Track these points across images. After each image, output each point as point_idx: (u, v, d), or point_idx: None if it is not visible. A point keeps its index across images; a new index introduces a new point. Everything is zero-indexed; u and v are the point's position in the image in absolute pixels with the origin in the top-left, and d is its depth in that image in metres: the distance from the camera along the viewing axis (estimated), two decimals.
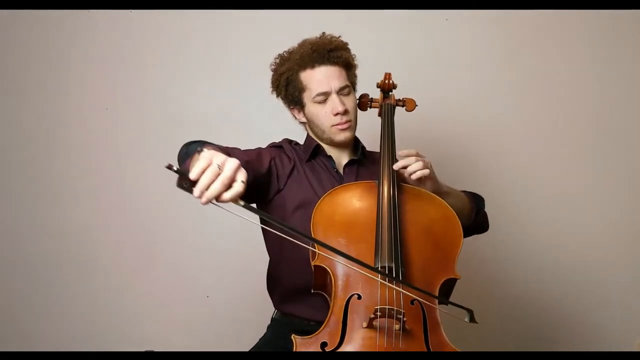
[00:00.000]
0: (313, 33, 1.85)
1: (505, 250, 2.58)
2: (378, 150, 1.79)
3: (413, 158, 1.66)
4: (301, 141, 1.91)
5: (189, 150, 1.60)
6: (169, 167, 1.15)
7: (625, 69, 2.59)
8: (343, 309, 1.46)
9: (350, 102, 1.80)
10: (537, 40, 2.60)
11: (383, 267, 1.47)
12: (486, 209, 1.88)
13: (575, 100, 2.59)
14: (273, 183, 1.76)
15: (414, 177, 1.64)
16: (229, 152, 1.59)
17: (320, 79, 1.77)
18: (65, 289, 2.53)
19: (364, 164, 1.87)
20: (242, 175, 1.22)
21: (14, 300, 2.53)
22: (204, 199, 1.19)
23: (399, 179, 1.67)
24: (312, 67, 1.78)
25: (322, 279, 1.54)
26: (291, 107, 1.88)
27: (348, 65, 1.84)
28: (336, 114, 1.77)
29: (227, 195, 1.20)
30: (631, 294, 2.55)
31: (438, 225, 1.61)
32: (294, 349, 1.42)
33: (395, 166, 1.65)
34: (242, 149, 1.78)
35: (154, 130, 2.55)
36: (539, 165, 2.58)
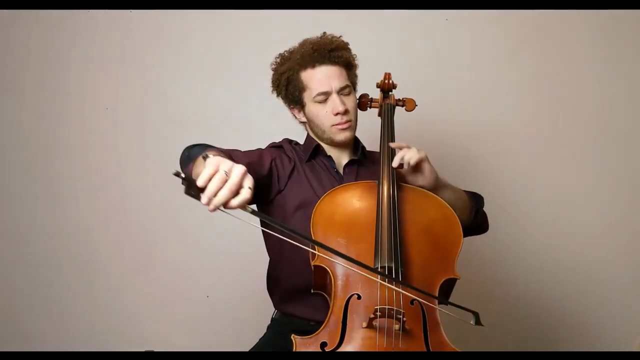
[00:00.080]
0: (313, 33, 1.85)
1: (505, 250, 2.58)
2: (378, 150, 1.79)
3: (405, 149, 1.66)
4: (301, 141, 1.91)
5: (191, 154, 1.60)
6: (177, 174, 1.16)
7: (625, 69, 2.59)
8: (343, 309, 1.46)
9: (350, 102, 1.80)
10: (537, 40, 2.60)
11: (383, 267, 1.47)
12: (486, 209, 1.88)
13: (575, 100, 2.59)
14: (274, 184, 1.76)
15: (412, 162, 1.64)
16: (230, 154, 1.59)
17: (320, 78, 1.77)
18: (65, 289, 2.53)
19: (364, 163, 1.87)
20: (248, 182, 1.23)
21: (14, 300, 2.54)
22: (211, 206, 1.19)
23: (398, 179, 1.67)
24: (313, 66, 1.78)
25: (321, 279, 1.54)
26: (291, 106, 1.87)
27: (349, 65, 1.84)
28: (336, 114, 1.77)
29: (234, 202, 1.20)
30: (631, 294, 2.55)
31: (438, 225, 1.61)
32: (294, 349, 1.42)
33: (394, 162, 1.65)
34: (242, 150, 1.78)
35: (154, 130, 2.55)
36: (539, 165, 2.58)
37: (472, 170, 2.52)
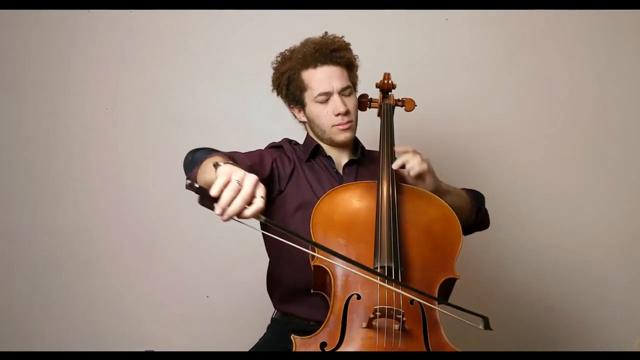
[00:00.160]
0: (313, 33, 1.85)
1: (505, 250, 2.58)
2: (377, 150, 1.79)
3: (410, 154, 1.66)
4: (301, 141, 1.91)
5: (195, 158, 1.60)
6: (190, 185, 1.17)
7: (625, 69, 2.59)
8: (342, 309, 1.46)
9: (351, 102, 1.81)
10: (537, 40, 2.60)
11: (382, 267, 1.47)
12: (486, 209, 1.88)
13: (575, 100, 2.59)
14: (275, 185, 1.76)
15: (412, 173, 1.64)
16: (233, 157, 1.60)
17: (322, 79, 1.77)
18: (65, 289, 2.53)
19: (364, 164, 1.87)
20: (261, 191, 1.24)
21: (14, 300, 2.53)
22: (225, 216, 1.20)
23: (398, 179, 1.67)
24: (315, 66, 1.78)
25: (321, 279, 1.54)
26: (291, 106, 1.87)
27: (350, 66, 1.84)
28: (337, 115, 1.77)
29: (248, 212, 1.21)
30: (631, 294, 2.55)
31: (437, 225, 1.61)
32: (294, 349, 1.42)
33: (394, 165, 1.65)
34: (242, 151, 1.78)
35: (154, 130, 2.55)
36: (539, 165, 2.58)
37: (472, 170, 2.52)
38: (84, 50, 2.56)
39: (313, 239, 1.53)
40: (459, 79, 2.58)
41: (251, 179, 1.23)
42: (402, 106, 1.91)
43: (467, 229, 1.81)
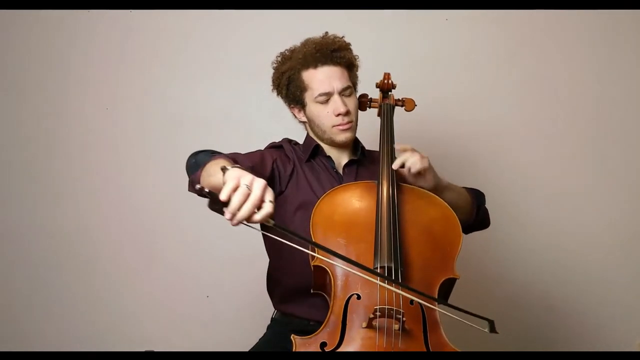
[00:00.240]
0: (313, 33, 1.85)
1: (505, 250, 2.58)
2: (377, 149, 1.79)
3: (409, 153, 1.66)
4: (301, 141, 1.91)
5: (198, 160, 1.61)
6: (200, 189, 1.18)
7: (625, 69, 2.58)
8: (342, 309, 1.46)
9: (351, 102, 1.81)
10: (537, 40, 2.60)
11: (382, 267, 1.47)
12: (486, 208, 1.88)
13: (575, 100, 2.59)
14: (275, 185, 1.76)
15: (413, 170, 1.64)
16: (235, 158, 1.60)
17: (322, 79, 1.77)
18: (65, 289, 2.53)
19: (364, 164, 1.87)
20: (270, 195, 1.25)
21: (14, 300, 2.53)
22: (235, 221, 1.21)
23: (398, 179, 1.67)
24: (315, 66, 1.78)
25: (321, 279, 1.54)
26: (291, 105, 1.87)
27: (350, 66, 1.84)
28: (338, 115, 1.77)
29: (257, 216, 1.22)
30: (631, 294, 2.55)
31: (438, 225, 1.61)
32: (294, 349, 1.42)
33: (394, 165, 1.65)
34: (242, 151, 1.78)
35: (154, 130, 2.55)
36: (539, 165, 2.58)
37: (472, 170, 2.52)
38: (84, 50, 2.56)
39: (313, 239, 1.53)
40: (459, 79, 2.58)
41: (260, 183, 1.24)
42: (402, 106, 1.91)
43: (468, 228, 1.81)
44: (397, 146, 1.72)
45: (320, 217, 1.58)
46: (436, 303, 1.47)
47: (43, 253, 2.53)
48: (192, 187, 1.63)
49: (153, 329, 2.50)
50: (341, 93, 1.78)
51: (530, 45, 2.60)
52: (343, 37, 1.84)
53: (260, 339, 1.80)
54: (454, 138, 2.55)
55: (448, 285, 1.56)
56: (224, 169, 1.29)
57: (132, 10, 2.51)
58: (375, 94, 1.93)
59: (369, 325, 1.41)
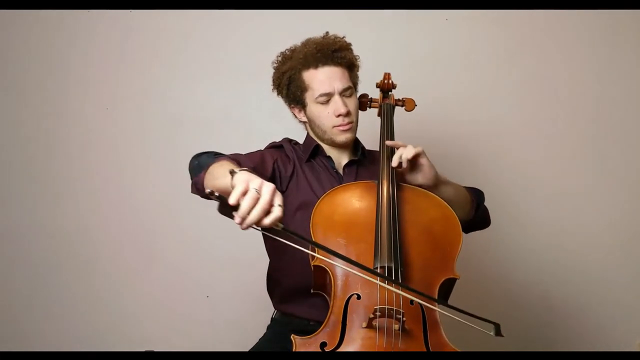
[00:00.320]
0: (313, 33, 1.85)
1: (505, 250, 2.58)
2: (377, 149, 1.79)
3: (402, 147, 1.66)
4: (301, 141, 1.90)
5: (201, 162, 1.61)
6: (211, 193, 1.19)
7: (625, 69, 2.58)
8: (342, 309, 1.46)
9: (352, 103, 1.80)
10: (537, 40, 2.60)
11: (382, 267, 1.47)
12: (486, 207, 1.88)
13: (575, 100, 2.59)
14: (276, 185, 1.76)
15: (409, 156, 1.62)
16: (237, 159, 1.60)
17: (323, 79, 1.77)
18: (65, 289, 2.53)
19: (364, 164, 1.87)
20: (279, 199, 1.25)
21: (14, 300, 2.53)
22: (244, 225, 1.22)
23: (398, 179, 1.67)
24: (316, 67, 1.78)
25: (321, 279, 1.54)
26: (292, 105, 1.87)
27: (351, 66, 1.84)
28: (338, 116, 1.77)
29: (267, 220, 1.23)
30: (631, 294, 2.55)
31: (438, 225, 1.61)
32: (294, 349, 1.42)
33: (393, 162, 1.65)
34: (242, 151, 1.78)
35: (154, 130, 2.55)
36: (539, 165, 2.58)
37: (472, 170, 2.52)
38: (84, 50, 2.56)
39: (313, 239, 1.53)
40: (459, 79, 2.58)
41: (269, 187, 1.25)
42: (402, 106, 1.91)
43: (468, 227, 1.81)
44: (388, 142, 1.71)
45: (320, 217, 1.58)
46: (436, 304, 1.47)
47: (43, 253, 2.53)
48: (195, 189, 1.63)
49: (153, 329, 2.50)
50: (342, 94, 1.78)
51: (530, 45, 2.60)
52: (344, 37, 1.84)
53: (260, 339, 1.80)
54: (454, 138, 2.55)
55: (448, 286, 1.56)
56: (232, 172, 1.29)
57: (132, 10, 2.51)
58: (375, 94, 1.93)
59: (369, 325, 1.41)
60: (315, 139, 1.86)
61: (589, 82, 2.59)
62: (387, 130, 1.79)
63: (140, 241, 2.54)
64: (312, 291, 1.58)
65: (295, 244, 1.35)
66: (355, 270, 1.41)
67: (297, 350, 1.42)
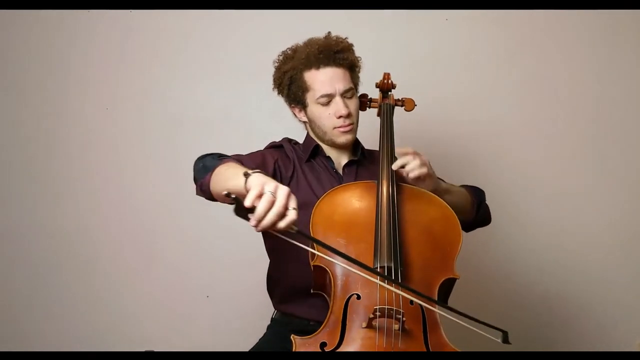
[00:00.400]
0: (313, 33, 1.84)
1: (505, 250, 2.58)
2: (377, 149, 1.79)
3: (410, 156, 1.65)
4: (301, 141, 1.90)
5: (206, 164, 1.61)
6: (227, 195, 1.20)
7: (625, 69, 2.58)
8: (342, 309, 1.46)
9: (353, 104, 1.80)
10: (537, 40, 2.60)
11: (382, 267, 1.47)
12: (487, 205, 1.89)
13: (575, 100, 2.59)
14: None
15: (412, 175, 1.64)
16: (240, 159, 1.60)
17: (324, 80, 1.77)
18: (65, 289, 2.53)
19: (364, 164, 1.87)
20: (293, 202, 1.26)
21: (14, 300, 2.53)
22: (259, 228, 1.24)
23: (398, 179, 1.67)
24: (317, 67, 1.77)
25: (321, 279, 1.54)
26: (292, 105, 1.87)
27: (353, 68, 1.83)
28: (339, 117, 1.77)
29: (282, 224, 1.24)
30: (631, 294, 2.55)
31: (437, 225, 1.61)
32: (294, 349, 1.42)
33: (394, 166, 1.65)
34: (243, 151, 1.78)
35: (154, 130, 2.55)
36: (539, 165, 2.58)
37: (472, 170, 2.52)
38: (84, 50, 2.56)
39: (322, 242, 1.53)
40: (459, 79, 2.58)
41: (284, 190, 1.26)
42: (402, 106, 1.91)
43: (469, 226, 1.81)
44: (398, 150, 1.71)
45: (320, 217, 1.58)
46: (440, 307, 1.47)
47: (43, 253, 2.53)
48: (201, 191, 1.64)
49: (153, 329, 2.50)
50: (343, 95, 1.78)
51: (530, 45, 2.60)
52: (346, 38, 1.84)
53: (260, 339, 1.80)
54: (454, 138, 2.55)
55: (448, 285, 1.56)
56: (246, 175, 1.30)
57: (132, 10, 2.51)
58: (375, 94, 1.93)
59: (369, 325, 1.41)
60: (315, 139, 1.86)
61: (589, 82, 2.59)
62: (387, 131, 1.79)
63: (140, 241, 2.54)
64: (312, 291, 1.58)
65: (307, 245, 1.35)
66: (355, 270, 1.41)
67: (297, 350, 1.42)
